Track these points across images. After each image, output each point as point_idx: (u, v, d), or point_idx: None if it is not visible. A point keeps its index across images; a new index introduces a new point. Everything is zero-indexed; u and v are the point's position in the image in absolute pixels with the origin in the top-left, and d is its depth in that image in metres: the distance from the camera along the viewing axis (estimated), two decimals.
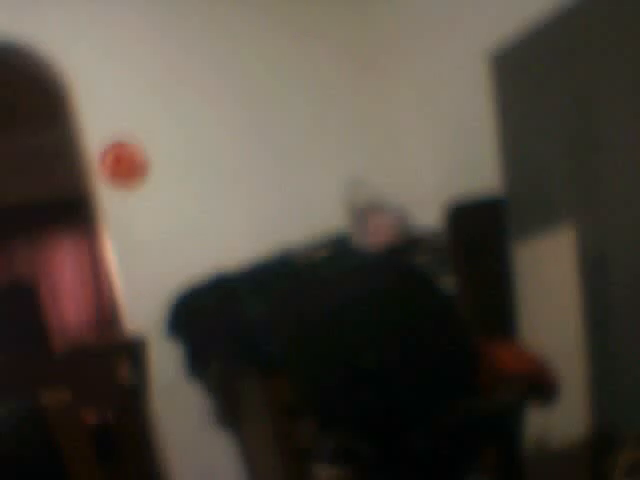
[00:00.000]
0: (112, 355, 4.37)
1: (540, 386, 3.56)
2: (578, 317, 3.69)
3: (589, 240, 3.68)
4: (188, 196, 4.92)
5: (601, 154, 3.60)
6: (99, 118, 4.78)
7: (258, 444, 4.37)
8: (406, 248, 4.39)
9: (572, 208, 3.77)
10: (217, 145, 4.99)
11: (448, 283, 4.07)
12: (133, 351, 4.36)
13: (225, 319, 4.30)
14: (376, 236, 4.40)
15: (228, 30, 5.02)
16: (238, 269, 4.49)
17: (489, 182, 4.23)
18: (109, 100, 4.77)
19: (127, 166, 4.86)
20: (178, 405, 4.59)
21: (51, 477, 3.85)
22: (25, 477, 3.76)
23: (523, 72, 4.03)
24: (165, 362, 4.49)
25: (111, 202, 4.83)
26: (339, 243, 4.52)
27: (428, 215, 4.38)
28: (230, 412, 4.45)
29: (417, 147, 5.06)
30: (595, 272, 3.65)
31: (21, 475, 3.74)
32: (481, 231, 4.12)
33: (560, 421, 3.62)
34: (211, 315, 4.38)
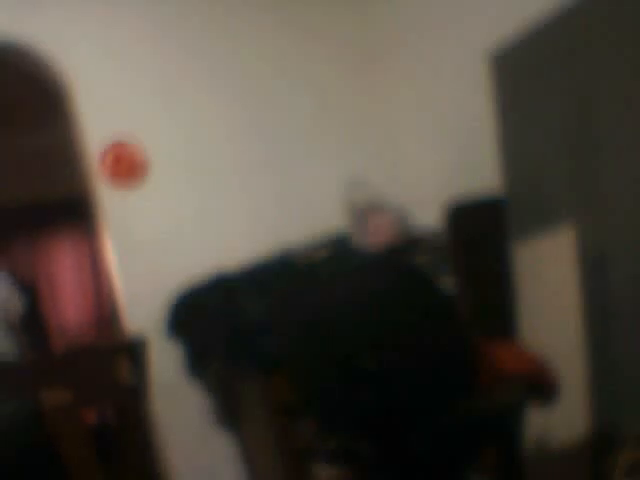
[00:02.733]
0: (112, 355, 4.37)
1: (540, 386, 3.56)
2: (578, 317, 3.69)
3: (589, 240, 3.68)
4: (188, 196, 4.92)
5: (601, 154, 3.60)
6: (99, 118, 4.78)
7: (258, 444, 4.37)
8: (406, 248, 4.39)
9: (572, 208, 3.77)
10: (217, 145, 4.99)
11: (448, 283, 4.07)
12: (133, 351, 4.36)
13: (225, 319, 4.30)
14: (376, 236, 4.40)
15: (228, 30, 5.02)
16: (238, 269, 4.49)
17: (489, 182, 4.23)
18: (109, 100, 4.78)
19: (127, 166, 4.86)
20: (178, 405, 4.59)
21: (51, 477, 3.85)
22: (25, 477, 3.76)
23: (523, 72, 4.04)
24: (165, 362, 4.49)
25: (111, 202, 4.83)
26: (339, 243, 4.52)
27: (428, 215, 4.38)
28: (230, 412, 4.45)
29: (417, 147, 5.06)
30: (595, 272, 3.65)
31: (21, 475, 3.74)
32: (481, 231, 4.12)
33: (560, 421, 3.62)
34: (211, 315, 4.38)
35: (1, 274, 4.89)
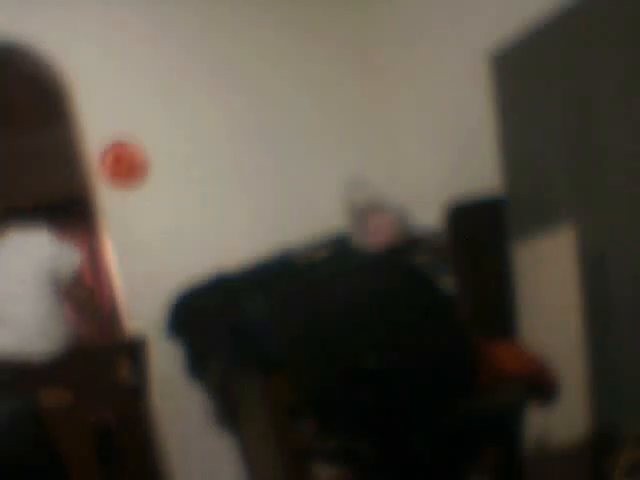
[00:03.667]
0: (112, 355, 4.37)
1: (540, 386, 3.56)
2: (578, 317, 3.69)
3: (589, 240, 3.68)
4: (188, 196, 4.92)
5: (601, 154, 3.60)
6: (99, 118, 4.78)
7: (258, 444, 4.37)
8: (406, 248, 4.39)
9: (572, 208, 3.77)
10: (217, 145, 4.99)
11: (448, 283, 4.07)
12: (133, 351, 4.36)
13: (225, 319, 4.29)
14: (376, 236, 4.39)
15: (228, 30, 5.02)
16: (238, 269, 4.49)
17: (489, 182, 4.23)
18: (109, 100, 4.77)
19: (127, 166, 4.86)
20: (178, 405, 4.58)
21: (51, 477, 3.85)
22: (25, 477, 3.76)
23: (523, 72, 4.03)
24: (165, 362, 4.49)
25: (111, 202, 4.83)
26: (339, 243, 4.52)
27: (428, 215, 4.38)
28: (230, 412, 4.45)
29: (417, 147, 5.06)
30: (595, 272, 3.65)
31: (21, 475, 3.74)
32: (481, 231, 4.12)
33: (560, 421, 3.62)
34: (211, 315, 4.38)
35: (47, 232, 4.48)
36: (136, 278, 4.76)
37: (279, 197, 5.02)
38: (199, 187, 4.94)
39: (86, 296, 4.48)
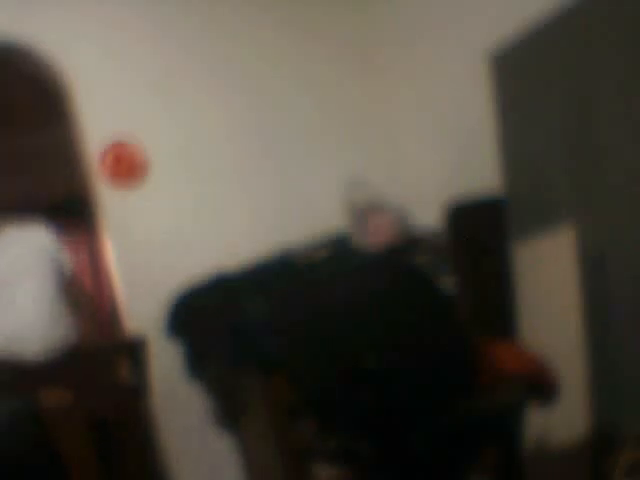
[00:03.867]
0: (112, 355, 4.37)
1: (540, 386, 3.56)
2: (578, 317, 3.70)
3: (589, 240, 3.68)
4: (188, 196, 4.92)
5: (601, 154, 3.60)
6: (99, 118, 4.78)
7: (258, 444, 4.37)
8: (406, 248, 4.39)
9: (572, 208, 3.77)
10: (217, 145, 4.99)
11: (448, 283, 4.07)
12: (133, 351, 4.36)
13: (225, 319, 4.29)
14: (376, 236, 4.39)
15: (228, 30, 5.02)
16: (238, 269, 4.49)
17: (489, 182, 4.23)
18: (109, 100, 4.78)
19: (127, 166, 4.86)
20: (178, 405, 4.58)
21: (51, 477, 3.85)
22: (25, 477, 3.76)
23: (523, 72, 4.04)
24: (165, 362, 4.49)
25: (111, 202, 4.83)
26: (339, 243, 4.52)
27: (428, 215, 4.38)
28: (230, 412, 4.45)
29: (417, 147, 5.06)
30: (595, 272, 3.65)
31: (21, 475, 3.74)
32: (481, 231, 4.12)
33: (560, 421, 3.62)
34: (211, 315, 4.38)
35: (44, 227, 4.44)
36: (136, 278, 4.76)
37: (279, 197, 5.02)
38: (199, 187, 4.94)
39: (85, 301, 4.49)
